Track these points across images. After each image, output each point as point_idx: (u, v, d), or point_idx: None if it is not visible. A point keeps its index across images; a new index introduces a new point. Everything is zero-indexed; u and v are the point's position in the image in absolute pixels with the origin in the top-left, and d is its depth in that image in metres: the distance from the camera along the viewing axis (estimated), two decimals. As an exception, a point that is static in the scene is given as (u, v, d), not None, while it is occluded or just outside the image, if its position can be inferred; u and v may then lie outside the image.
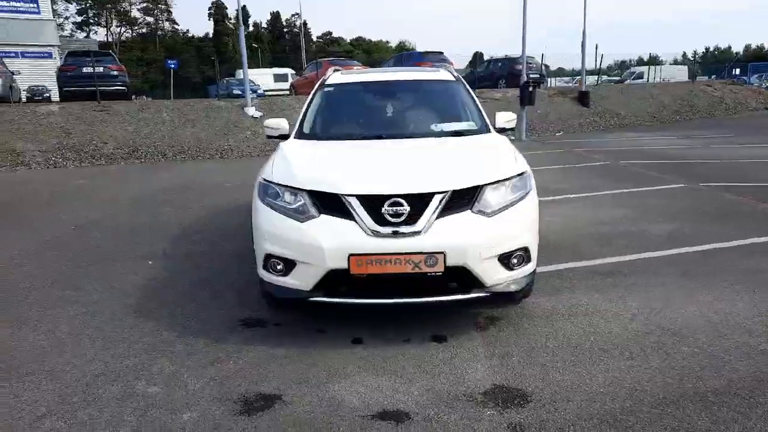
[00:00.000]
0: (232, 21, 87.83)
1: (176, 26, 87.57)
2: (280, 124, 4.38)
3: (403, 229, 3.01)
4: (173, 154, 13.79)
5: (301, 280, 3.13)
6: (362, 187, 3.11)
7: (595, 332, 3.35)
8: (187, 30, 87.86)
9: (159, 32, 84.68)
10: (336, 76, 4.89)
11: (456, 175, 3.21)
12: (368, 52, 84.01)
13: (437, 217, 3.04)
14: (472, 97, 4.58)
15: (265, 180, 3.42)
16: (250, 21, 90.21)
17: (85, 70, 15.33)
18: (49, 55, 39.51)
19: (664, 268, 4.50)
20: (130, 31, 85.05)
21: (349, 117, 4.58)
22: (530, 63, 21.49)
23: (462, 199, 3.12)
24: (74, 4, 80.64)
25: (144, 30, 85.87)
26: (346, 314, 3.56)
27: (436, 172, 3.26)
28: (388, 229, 3.01)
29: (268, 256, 3.23)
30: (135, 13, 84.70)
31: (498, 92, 19.94)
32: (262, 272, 3.31)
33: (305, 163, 3.57)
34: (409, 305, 3.16)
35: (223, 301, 4.00)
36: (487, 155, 3.64)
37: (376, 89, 4.82)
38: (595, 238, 5.44)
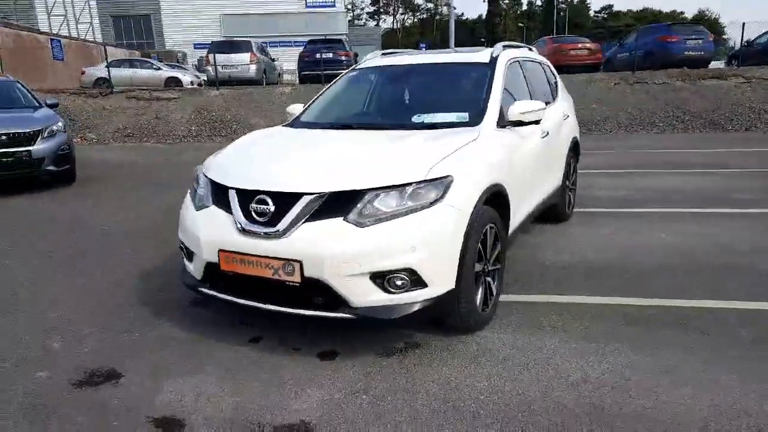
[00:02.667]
0: (506, 2, 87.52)
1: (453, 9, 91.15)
2: (298, 109, 4.36)
3: (265, 229, 2.77)
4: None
5: (195, 268, 3.14)
6: (240, 180, 2.95)
7: (507, 390, 2.57)
8: (462, 13, 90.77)
9: (437, 17, 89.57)
10: (370, 60, 4.61)
11: (342, 176, 2.80)
12: (652, 26, 74.39)
13: (306, 221, 2.71)
14: (490, 85, 3.80)
15: (198, 166, 3.49)
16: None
17: (318, 56, 17.28)
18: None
19: (731, 323, 3.15)
20: (412, 17, 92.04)
21: (345, 104, 4.30)
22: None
23: (341, 204, 2.70)
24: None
25: (424, 16, 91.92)
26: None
27: (322, 171, 2.88)
28: (253, 228, 2.81)
29: (180, 241, 3.32)
30: (418, 0, 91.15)
31: (773, 70, 15.82)
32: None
33: (237, 151, 3.49)
34: (274, 312, 2.89)
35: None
36: (403, 153, 3.03)
37: (394, 74, 4.38)
38: (675, 269, 4.11)
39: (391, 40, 78.40)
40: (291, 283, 2.72)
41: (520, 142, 3.78)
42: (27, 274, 4.45)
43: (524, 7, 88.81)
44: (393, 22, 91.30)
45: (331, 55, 17.38)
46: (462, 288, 2.89)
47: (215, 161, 3.35)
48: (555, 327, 3.24)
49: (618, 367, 2.76)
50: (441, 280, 2.76)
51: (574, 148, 5.49)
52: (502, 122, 3.63)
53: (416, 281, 2.69)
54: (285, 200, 2.75)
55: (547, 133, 4.39)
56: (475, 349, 3.00)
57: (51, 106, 8.71)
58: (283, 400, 2.57)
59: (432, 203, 2.72)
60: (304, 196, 2.72)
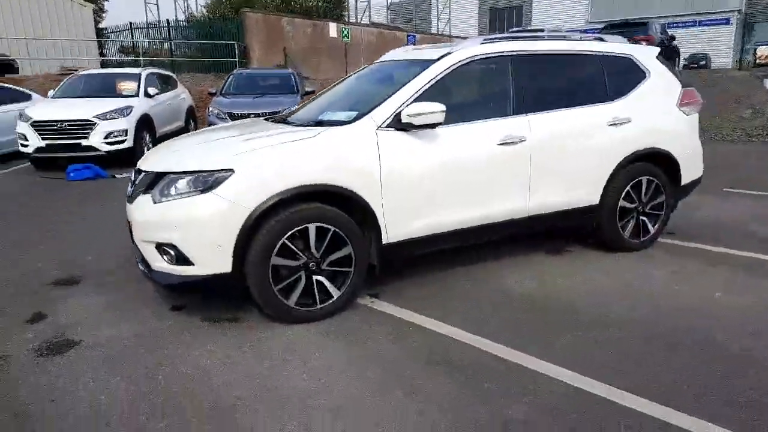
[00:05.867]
0: None
1: None
2: None
3: (129, 196, 3.56)
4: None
5: None
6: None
7: (214, 376, 2.82)
8: None
9: None
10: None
11: (165, 160, 3.40)
12: None
13: (141, 193, 3.35)
14: (404, 84, 3.55)
15: None
16: None
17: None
18: (726, 22, 39.09)
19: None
20: None
21: (320, 100, 4.45)
22: None
23: (154, 182, 3.25)
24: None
25: None
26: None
27: (170, 155, 3.49)
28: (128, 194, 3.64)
29: None
30: None
31: None
32: None
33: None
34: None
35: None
36: (224, 145, 3.38)
37: (364, 72, 4.41)
38: (641, 336, 3.03)
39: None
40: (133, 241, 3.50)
41: (425, 147, 3.47)
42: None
43: None
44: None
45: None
46: (250, 276, 3.12)
47: None
48: (357, 342, 3.09)
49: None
50: (207, 262, 3.08)
51: (648, 160, 4.28)
52: (399, 125, 3.43)
53: (181, 257, 3.10)
54: (138, 175, 3.51)
55: (522, 139, 3.74)
56: (256, 336, 3.17)
57: (306, 93, 10.97)
58: (100, 330, 3.31)
59: (203, 191, 3.05)
60: (142, 173, 3.43)
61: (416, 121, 3.34)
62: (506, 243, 4.51)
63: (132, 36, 24.71)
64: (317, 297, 3.30)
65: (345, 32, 25.00)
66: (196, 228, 3.06)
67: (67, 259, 4.62)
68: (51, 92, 10.49)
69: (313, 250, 3.24)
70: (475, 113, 3.76)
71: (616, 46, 4.36)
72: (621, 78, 4.26)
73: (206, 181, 3.07)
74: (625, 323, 3.23)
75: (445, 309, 3.47)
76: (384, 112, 3.45)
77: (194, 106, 12.64)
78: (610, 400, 2.47)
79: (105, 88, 10.24)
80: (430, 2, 45.01)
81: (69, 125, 8.78)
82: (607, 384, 2.59)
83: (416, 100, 3.49)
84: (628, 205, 4.27)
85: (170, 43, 22.34)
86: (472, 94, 4.00)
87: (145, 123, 9.61)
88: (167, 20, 23.08)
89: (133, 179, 3.60)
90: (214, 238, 3.06)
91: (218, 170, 3.08)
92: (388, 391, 2.59)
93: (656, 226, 4.45)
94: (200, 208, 3.05)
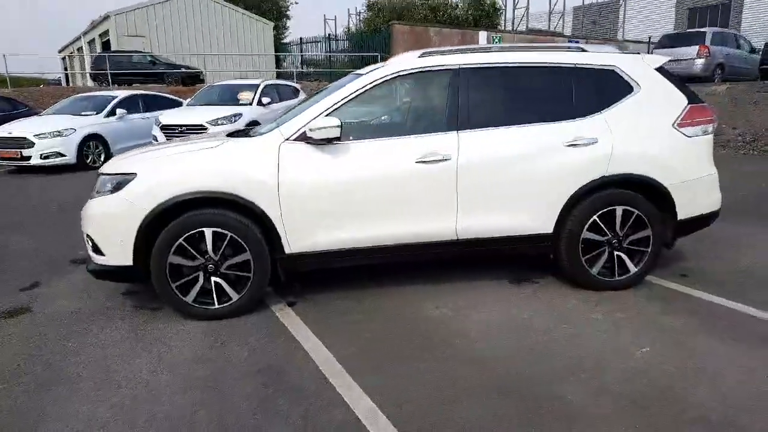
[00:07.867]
0: None
1: None
2: None
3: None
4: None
5: None
6: None
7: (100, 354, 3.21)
8: None
9: None
10: None
11: (110, 164, 3.83)
12: None
13: None
14: (323, 97, 3.56)
15: None
16: None
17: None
18: None
19: None
20: None
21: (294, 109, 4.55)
22: None
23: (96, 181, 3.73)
24: None
25: None
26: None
27: (117, 158, 3.95)
28: None
29: None
30: None
31: None
32: None
33: None
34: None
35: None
36: (146, 153, 3.71)
37: (339, 81, 4.37)
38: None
39: None
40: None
41: (333, 162, 3.46)
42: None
43: None
44: None
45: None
46: (153, 271, 3.43)
47: None
48: (215, 345, 3.23)
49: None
50: (113, 254, 3.45)
51: (626, 187, 3.70)
52: (307, 139, 3.48)
53: (96, 248, 3.53)
54: None
55: (446, 158, 3.51)
56: (151, 325, 3.49)
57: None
58: (55, 303, 3.98)
59: (112, 191, 3.45)
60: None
61: (315, 135, 3.37)
62: (466, 267, 4.26)
63: (301, 50, 27.28)
64: (215, 297, 3.51)
65: (497, 39, 24.68)
66: (104, 223, 3.47)
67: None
68: (189, 100, 12.17)
69: (210, 253, 3.45)
70: (397, 129, 3.67)
71: (596, 56, 3.84)
72: (595, 93, 3.74)
73: (116, 183, 3.47)
74: (487, 362, 2.89)
75: (340, 328, 3.40)
76: (294, 125, 3.54)
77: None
78: (374, 441, 2.30)
79: (230, 97, 11.58)
80: (617, 5, 41.85)
81: (186, 129, 10.13)
82: (394, 425, 2.39)
83: (331, 114, 3.51)
84: (595, 237, 3.73)
85: (328, 55, 24.21)
86: (398, 110, 3.87)
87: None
88: (328, 35, 25.06)
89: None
90: (116, 234, 3.43)
91: (125, 173, 3.47)
92: (182, 393, 2.70)
93: (640, 264, 3.81)
94: (107, 206, 3.46)
